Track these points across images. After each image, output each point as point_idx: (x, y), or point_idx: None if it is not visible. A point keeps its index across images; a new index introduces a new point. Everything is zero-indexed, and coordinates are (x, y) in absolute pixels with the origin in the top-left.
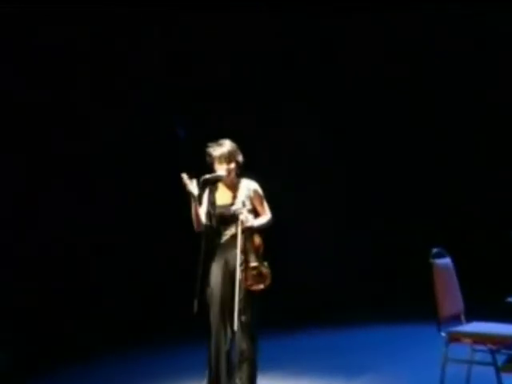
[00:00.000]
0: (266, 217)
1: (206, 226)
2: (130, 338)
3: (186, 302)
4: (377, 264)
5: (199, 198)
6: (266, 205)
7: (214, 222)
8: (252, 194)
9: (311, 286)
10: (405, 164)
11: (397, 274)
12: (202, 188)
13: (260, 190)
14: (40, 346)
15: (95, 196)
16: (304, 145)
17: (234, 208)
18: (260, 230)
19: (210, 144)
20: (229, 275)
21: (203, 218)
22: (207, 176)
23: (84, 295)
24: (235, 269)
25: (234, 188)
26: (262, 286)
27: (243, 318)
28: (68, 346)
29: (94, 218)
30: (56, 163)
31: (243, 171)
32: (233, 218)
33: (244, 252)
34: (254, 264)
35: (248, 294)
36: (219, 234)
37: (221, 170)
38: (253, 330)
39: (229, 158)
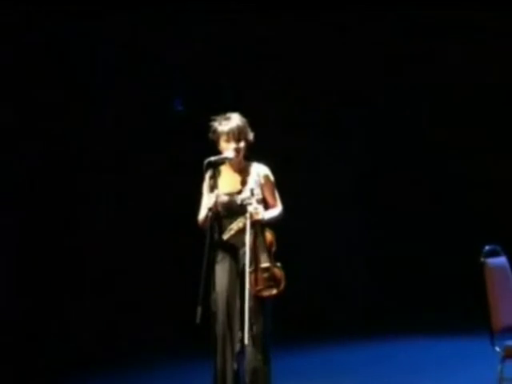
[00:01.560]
0: (277, 209)
1: (211, 217)
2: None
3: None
4: (415, 265)
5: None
6: (277, 195)
7: (219, 216)
8: (262, 181)
9: (335, 292)
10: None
11: (439, 276)
12: (206, 171)
13: (272, 176)
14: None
15: None
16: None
17: (241, 197)
18: (270, 224)
19: (215, 118)
20: (236, 278)
21: (203, 211)
22: (212, 158)
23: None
24: (244, 270)
25: (241, 173)
26: (274, 292)
27: (254, 329)
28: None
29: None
30: None
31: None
32: (240, 210)
33: (254, 250)
34: (265, 265)
35: (259, 301)
36: (223, 229)
37: (228, 149)
38: (266, 343)
39: (238, 135)
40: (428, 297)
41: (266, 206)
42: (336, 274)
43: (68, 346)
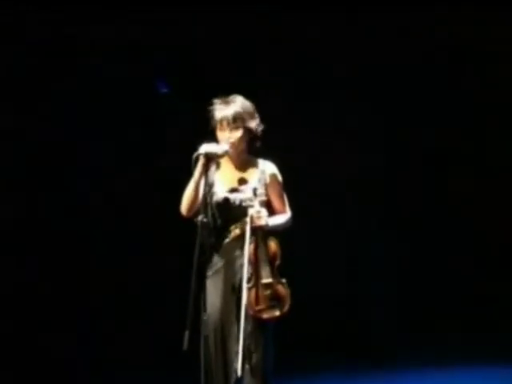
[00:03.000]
0: (284, 215)
1: (201, 222)
2: None
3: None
4: (466, 283)
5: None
6: (285, 198)
7: (210, 216)
8: (268, 180)
9: (350, 314)
10: None
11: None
12: (195, 167)
13: (279, 176)
14: None
15: None
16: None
17: (241, 197)
18: (275, 232)
19: (215, 101)
20: (231, 295)
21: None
22: (202, 150)
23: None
24: (241, 286)
25: (243, 169)
26: (277, 314)
27: (253, 358)
28: None
29: None
30: None
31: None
32: (239, 212)
33: (254, 263)
34: (267, 280)
35: (259, 324)
36: (218, 234)
37: (222, 140)
38: (267, 375)
39: (234, 122)
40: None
41: (272, 211)
42: (351, 294)
43: None
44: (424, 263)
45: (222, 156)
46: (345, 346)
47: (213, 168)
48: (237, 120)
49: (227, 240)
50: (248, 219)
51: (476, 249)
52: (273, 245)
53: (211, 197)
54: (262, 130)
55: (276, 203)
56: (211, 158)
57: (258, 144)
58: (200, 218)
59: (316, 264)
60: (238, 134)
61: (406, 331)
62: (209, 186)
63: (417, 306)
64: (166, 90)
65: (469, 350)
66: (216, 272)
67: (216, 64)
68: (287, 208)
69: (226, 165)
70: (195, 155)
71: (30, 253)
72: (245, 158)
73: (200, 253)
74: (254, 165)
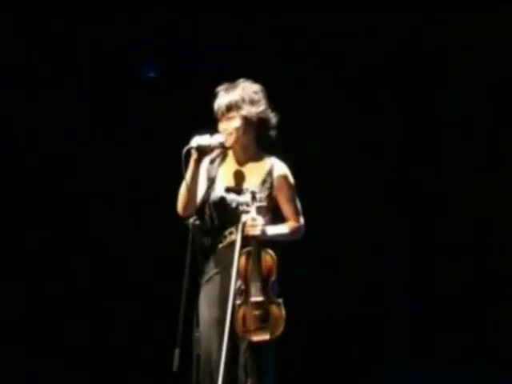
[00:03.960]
0: (291, 224)
1: (193, 224)
2: None
3: None
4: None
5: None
6: (298, 205)
7: (207, 215)
8: (275, 183)
9: (356, 340)
10: None
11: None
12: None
13: (291, 179)
14: None
15: None
16: None
17: (238, 199)
18: (275, 242)
19: (219, 88)
20: (226, 307)
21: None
22: (194, 143)
23: None
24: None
25: (247, 165)
26: (266, 337)
27: (248, 382)
28: None
29: None
30: None
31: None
32: (234, 216)
33: (244, 277)
34: (257, 299)
35: (254, 345)
36: (214, 236)
37: (221, 131)
38: None
39: (229, 111)
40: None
41: (282, 219)
42: (357, 314)
43: None
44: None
45: (216, 148)
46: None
47: (218, 160)
48: (232, 109)
49: (222, 245)
50: (240, 226)
51: None
52: (268, 258)
53: (210, 194)
54: (265, 119)
55: (285, 210)
56: (204, 152)
57: (270, 137)
58: (192, 220)
59: (325, 282)
60: (234, 124)
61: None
62: (211, 181)
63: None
64: (152, 74)
65: None
66: (209, 280)
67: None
68: (298, 216)
69: (230, 160)
70: (185, 149)
71: None
72: (252, 153)
73: (192, 259)
74: (262, 163)
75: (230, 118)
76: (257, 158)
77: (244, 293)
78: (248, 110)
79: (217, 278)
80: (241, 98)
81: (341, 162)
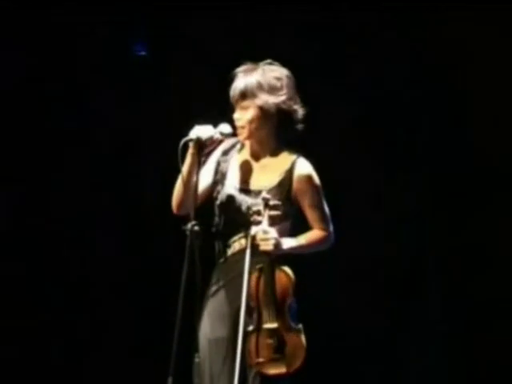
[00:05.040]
0: (316, 233)
1: (191, 231)
2: None
3: None
4: None
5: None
6: (324, 210)
7: (216, 215)
8: (296, 185)
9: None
10: None
11: None
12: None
13: (316, 180)
14: None
15: None
16: None
17: (250, 202)
18: (299, 256)
19: (238, 69)
20: (233, 332)
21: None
22: (193, 135)
23: None
24: (238, 326)
25: (264, 162)
26: (283, 370)
27: None
28: None
29: None
30: None
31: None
32: (245, 219)
33: (255, 298)
34: (271, 325)
35: (265, 378)
36: (221, 241)
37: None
38: None
39: (243, 98)
40: None
41: (306, 227)
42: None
43: None
44: None
45: (223, 140)
46: None
47: (233, 152)
48: (247, 96)
49: (230, 252)
50: (249, 240)
51: None
52: (283, 277)
53: (219, 191)
54: (286, 111)
55: (309, 216)
56: (204, 145)
57: (294, 132)
58: (190, 225)
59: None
60: (249, 114)
61: None
62: (220, 176)
63: None
64: (143, 53)
65: None
66: (215, 293)
67: None
68: (325, 223)
69: (246, 153)
70: (183, 141)
71: None
72: (271, 149)
73: (189, 271)
74: (282, 161)
75: (244, 108)
76: (277, 154)
77: (256, 317)
78: (264, 100)
79: (222, 292)
80: (258, 84)
81: None
